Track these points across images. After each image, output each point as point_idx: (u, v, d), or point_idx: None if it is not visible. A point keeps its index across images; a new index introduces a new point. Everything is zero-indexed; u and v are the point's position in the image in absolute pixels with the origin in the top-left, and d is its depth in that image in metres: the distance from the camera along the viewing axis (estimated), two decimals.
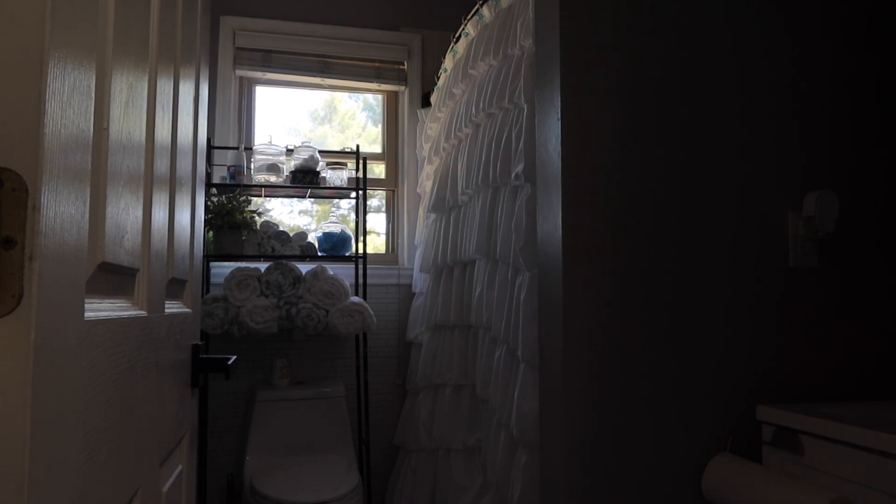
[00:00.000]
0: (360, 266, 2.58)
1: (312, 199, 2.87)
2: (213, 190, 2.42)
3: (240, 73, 2.77)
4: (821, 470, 1.12)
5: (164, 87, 0.75)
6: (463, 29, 2.36)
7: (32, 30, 0.38)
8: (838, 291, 1.41)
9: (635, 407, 1.27)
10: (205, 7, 1.07)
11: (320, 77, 2.84)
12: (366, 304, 2.43)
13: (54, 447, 0.41)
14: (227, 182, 2.43)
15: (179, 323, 0.88)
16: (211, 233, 2.34)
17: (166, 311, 0.79)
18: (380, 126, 3.05)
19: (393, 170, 2.99)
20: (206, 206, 2.29)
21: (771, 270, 1.37)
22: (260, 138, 2.80)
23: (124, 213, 0.58)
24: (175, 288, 0.88)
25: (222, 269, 2.54)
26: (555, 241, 1.29)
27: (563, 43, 1.30)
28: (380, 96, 3.04)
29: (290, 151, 2.53)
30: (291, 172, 2.46)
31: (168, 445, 0.82)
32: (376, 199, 3.02)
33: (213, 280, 2.53)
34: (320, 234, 2.54)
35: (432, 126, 2.70)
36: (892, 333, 1.43)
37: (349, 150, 2.72)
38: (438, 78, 2.70)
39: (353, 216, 2.72)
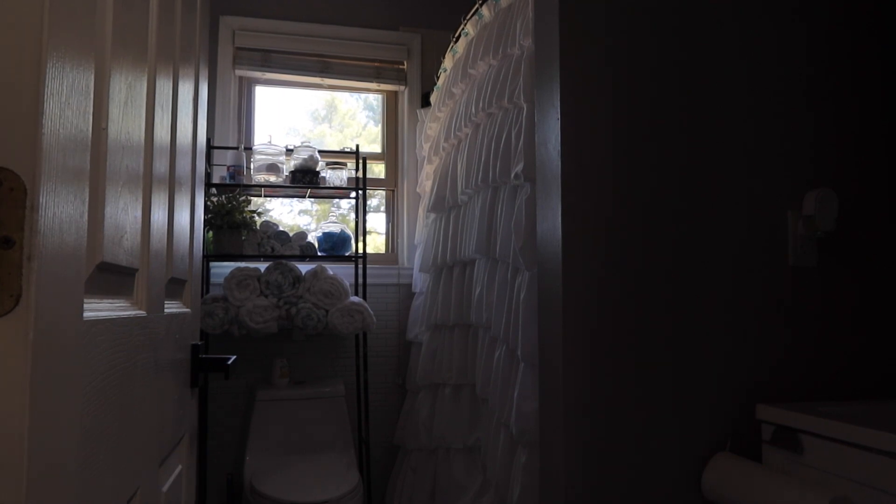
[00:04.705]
0: (360, 266, 2.58)
1: (312, 199, 2.87)
2: (213, 190, 2.42)
3: (239, 72, 2.77)
4: (821, 469, 1.12)
5: (164, 87, 0.75)
6: (462, 28, 2.36)
7: (31, 29, 0.38)
8: (838, 290, 1.41)
9: (635, 406, 1.27)
10: (204, 7, 1.07)
11: (320, 77, 2.84)
12: (365, 304, 2.43)
13: (53, 447, 0.41)
14: (227, 182, 2.43)
15: (179, 323, 0.88)
16: (211, 233, 2.34)
17: (166, 310, 0.79)
18: (379, 126, 3.05)
19: (393, 169, 2.99)
20: (206, 206, 2.29)
21: (771, 269, 1.37)
22: (260, 138, 2.80)
23: (123, 212, 0.58)
24: (174, 288, 0.88)
25: (222, 269, 2.54)
26: (554, 240, 1.29)
27: (563, 42, 1.30)
28: (380, 96, 3.04)
29: (289, 151, 2.53)
30: (291, 172, 2.46)
31: (167, 445, 0.82)
32: (376, 199, 3.02)
33: (212, 280, 2.53)
34: (320, 234, 2.54)
35: (432, 126, 2.70)
36: (892, 333, 1.43)
37: (349, 149, 2.72)
38: (438, 77, 2.70)
39: (352, 216, 2.72)
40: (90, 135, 0.47)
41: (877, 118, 1.46)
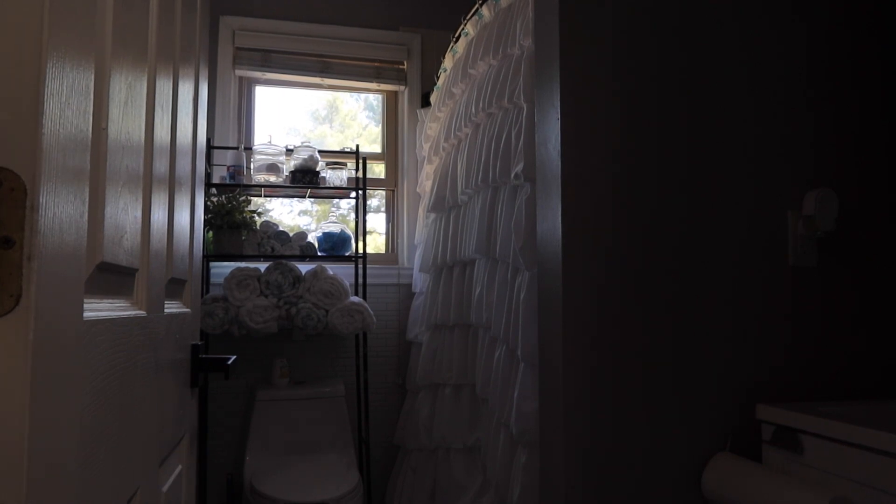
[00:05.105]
0: (360, 266, 2.58)
1: (312, 199, 2.87)
2: (213, 190, 2.42)
3: (239, 72, 2.77)
4: (821, 469, 1.12)
5: (163, 87, 0.75)
6: (462, 28, 2.36)
7: (31, 30, 0.38)
8: (838, 290, 1.41)
9: (635, 406, 1.27)
10: (204, 7, 1.07)
11: (320, 77, 2.84)
12: (365, 304, 2.43)
13: (53, 447, 0.41)
14: (227, 182, 2.43)
15: (179, 323, 0.88)
16: (211, 233, 2.34)
17: (166, 310, 0.79)
18: (380, 126, 3.05)
19: (393, 169, 2.99)
20: (206, 206, 2.29)
21: (771, 269, 1.37)
22: (260, 138, 2.80)
23: (123, 212, 0.58)
24: (174, 288, 0.88)
25: (222, 269, 2.54)
26: (554, 240, 1.29)
27: (563, 42, 1.30)
28: (380, 96, 3.04)
29: (289, 151, 2.53)
30: (291, 172, 2.46)
31: (167, 445, 0.82)
32: (376, 199, 3.02)
33: (212, 280, 2.53)
34: (320, 234, 2.54)
35: (432, 126, 2.70)
36: (892, 333, 1.43)
37: (349, 149, 2.72)
38: (438, 78, 2.70)
39: (352, 216, 2.72)
40: (90, 135, 0.47)
41: (877, 118, 1.46)
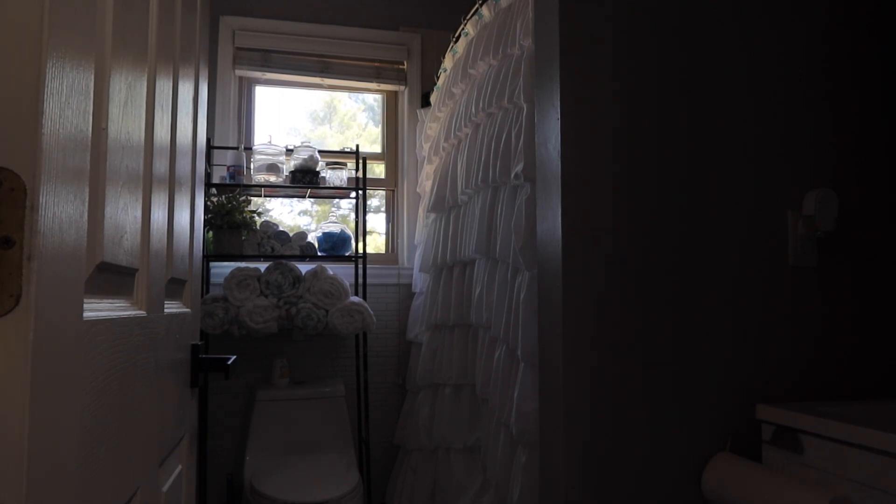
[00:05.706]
0: (360, 266, 2.58)
1: (312, 199, 2.87)
2: (213, 190, 2.42)
3: (239, 72, 2.77)
4: (821, 469, 1.12)
5: (163, 87, 0.75)
6: (462, 28, 2.36)
7: (31, 29, 0.38)
8: (838, 290, 1.41)
9: (635, 406, 1.27)
10: (204, 7, 1.07)
11: (320, 77, 2.84)
12: (365, 304, 2.43)
13: (53, 447, 0.41)
14: (227, 182, 2.43)
15: (179, 323, 0.88)
16: (211, 233, 2.34)
17: (165, 310, 0.79)
18: (380, 126, 3.05)
19: (393, 170, 2.99)
20: (206, 206, 2.29)
21: (771, 269, 1.37)
22: (260, 138, 2.80)
23: (123, 212, 0.58)
24: (174, 288, 0.88)
25: (222, 269, 2.54)
26: (554, 240, 1.29)
27: (563, 42, 1.30)
28: (380, 96, 3.04)
29: (289, 151, 2.53)
30: (291, 172, 2.46)
31: (167, 445, 0.82)
32: (376, 199, 3.02)
33: (212, 280, 2.53)
34: (320, 234, 2.54)
35: (432, 126, 2.70)
36: (892, 333, 1.43)
37: (349, 150, 2.72)
38: (438, 77, 2.70)
39: (352, 216, 2.72)
40: (90, 135, 0.47)
41: (877, 118, 1.46)
